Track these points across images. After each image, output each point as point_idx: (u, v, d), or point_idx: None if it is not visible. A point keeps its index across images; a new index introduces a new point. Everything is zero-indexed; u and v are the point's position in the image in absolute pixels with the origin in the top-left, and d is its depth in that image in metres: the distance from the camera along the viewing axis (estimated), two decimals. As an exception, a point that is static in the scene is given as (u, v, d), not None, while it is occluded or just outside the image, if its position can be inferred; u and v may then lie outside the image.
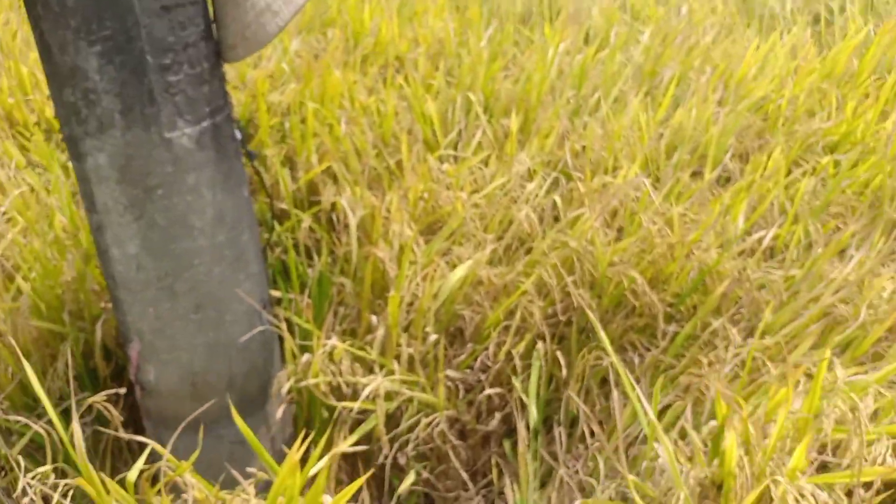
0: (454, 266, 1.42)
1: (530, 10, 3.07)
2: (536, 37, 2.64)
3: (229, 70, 2.48)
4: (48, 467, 0.83)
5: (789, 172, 1.56)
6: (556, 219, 1.57)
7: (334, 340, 1.18)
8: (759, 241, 1.25)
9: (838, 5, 2.92)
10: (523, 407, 1.27)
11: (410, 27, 2.79)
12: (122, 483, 0.82)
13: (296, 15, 1.02)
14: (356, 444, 1.08)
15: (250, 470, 1.01)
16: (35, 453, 1.26)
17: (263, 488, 1.01)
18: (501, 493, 1.27)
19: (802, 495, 0.78)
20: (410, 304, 1.36)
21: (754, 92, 1.79)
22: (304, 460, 0.87)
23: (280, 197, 1.70)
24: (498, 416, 1.31)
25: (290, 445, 1.32)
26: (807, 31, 2.55)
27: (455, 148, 1.87)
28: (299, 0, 1.02)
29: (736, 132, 1.70)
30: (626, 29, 2.76)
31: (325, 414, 1.31)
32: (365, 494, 1.18)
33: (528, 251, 1.50)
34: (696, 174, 1.62)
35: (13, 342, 1.23)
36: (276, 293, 1.46)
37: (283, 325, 1.23)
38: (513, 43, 2.59)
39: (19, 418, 1.04)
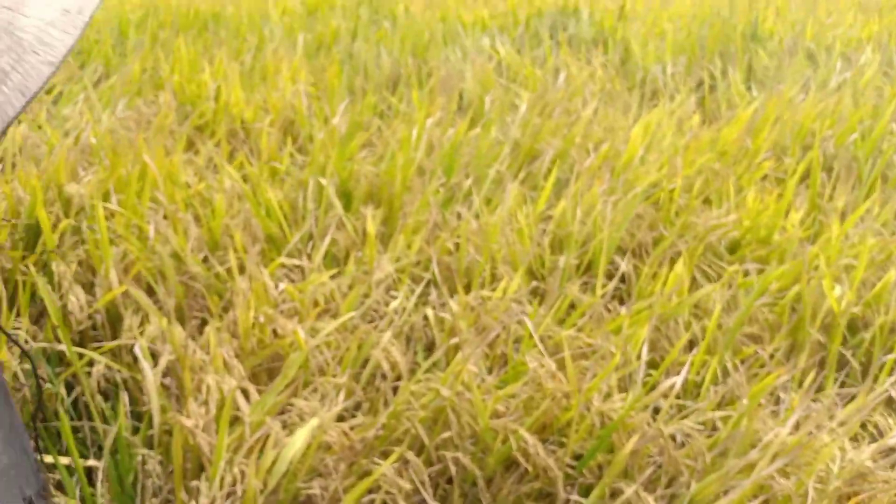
0: (295, 426, 1.11)
1: (398, 73, 2.87)
2: (404, 105, 2.43)
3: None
4: None
5: (693, 282, 1.40)
6: (429, 346, 1.31)
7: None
8: (671, 387, 1.05)
9: (720, 70, 2.94)
10: None
11: (259, 91, 2.49)
12: None
13: (6, 129, 0.71)
14: None
15: None
16: None
17: None
18: None
19: None
20: (234, 487, 1.04)
21: (644, 178, 1.65)
22: None
23: (73, 330, 1.33)
24: None
25: None
26: (691, 98, 2.50)
27: (304, 248, 1.58)
28: (10, 110, 0.71)
29: (627, 225, 1.53)
30: (501, 94, 2.61)
31: None
32: None
33: (395, 390, 1.23)
34: (588, 283, 1.42)
35: None
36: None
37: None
38: (376, 113, 2.36)
39: None
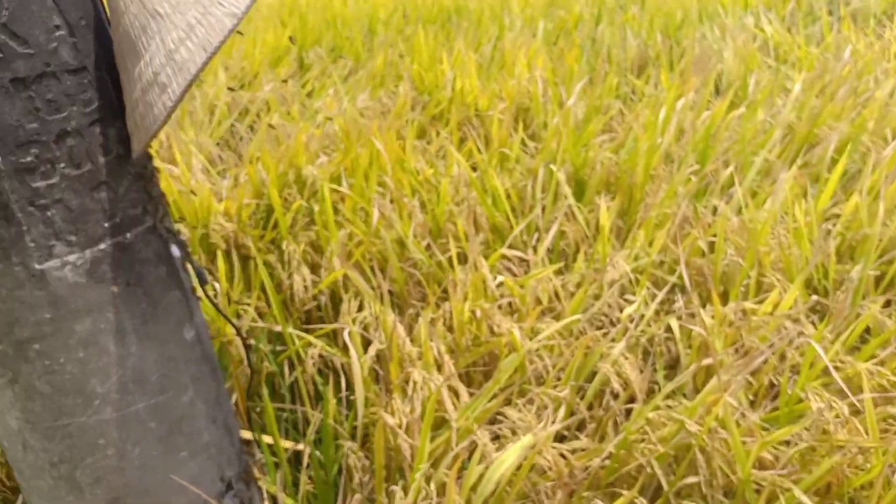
0: (505, 440, 0.98)
1: (645, 55, 2.62)
2: (650, 88, 2.19)
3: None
4: None
5: None
6: (671, 365, 1.10)
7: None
8: None
9: None
10: None
11: (495, 79, 2.41)
12: None
13: (189, 87, 0.65)
14: None
15: None
16: None
17: None
18: None
19: None
20: (433, 501, 0.93)
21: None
22: None
23: (299, 310, 1.34)
24: None
25: None
26: None
27: (529, 240, 1.44)
28: (192, 67, 0.65)
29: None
30: (769, 76, 2.25)
31: None
32: None
33: (627, 413, 1.04)
34: (891, 301, 1.09)
35: None
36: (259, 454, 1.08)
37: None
38: (618, 96, 2.15)
39: None
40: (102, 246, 0.75)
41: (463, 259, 1.43)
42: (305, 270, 1.34)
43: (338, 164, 1.53)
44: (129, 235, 0.77)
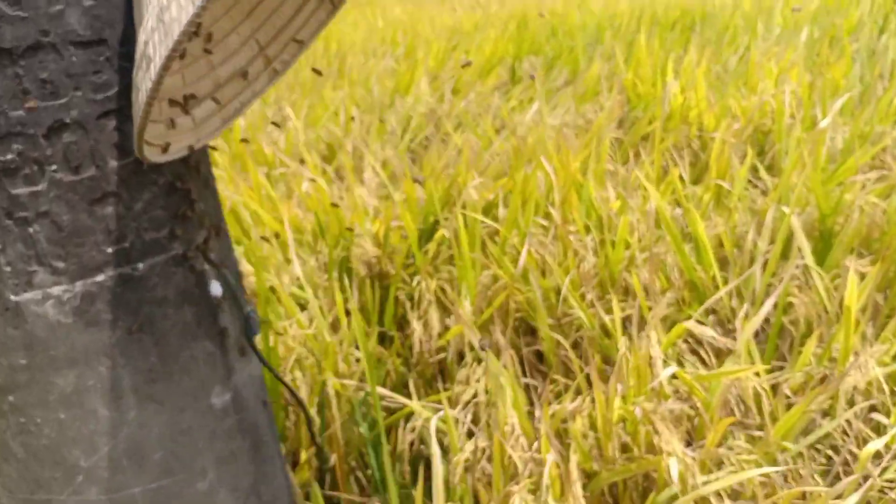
0: None
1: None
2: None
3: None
4: None
5: None
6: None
7: None
8: None
9: None
10: None
11: (734, 95, 2.01)
12: None
13: (170, 61, 0.46)
14: None
15: None
16: None
17: None
18: None
19: None
20: None
21: None
22: None
23: (422, 358, 1.13)
24: None
25: None
26: None
27: (735, 308, 1.08)
28: (176, 28, 0.46)
29: None
30: None
31: None
32: None
33: None
34: None
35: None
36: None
37: None
38: (893, 122, 1.65)
39: None
40: (99, 278, 0.59)
41: (640, 324, 1.11)
42: (435, 315, 1.12)
43: (496, 188, 1.30)
44: (140, 266, 0.61)
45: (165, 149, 0.60)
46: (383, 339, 1.28)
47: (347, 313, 1.36)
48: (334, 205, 1.34)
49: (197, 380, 0.67)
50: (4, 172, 0.55)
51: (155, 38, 0.49)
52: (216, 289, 0.68)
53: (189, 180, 0.64)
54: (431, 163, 1.63)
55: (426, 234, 1.41)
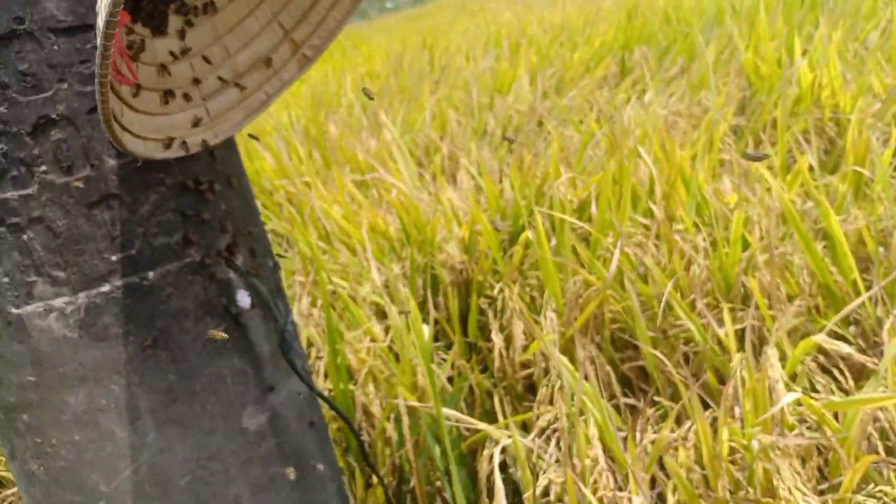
0: None
1: None
2: None
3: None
4: None
5: None
6: None
7: None
8: None
9: None
10: None
11: (875, 72, 1.77)
12: None
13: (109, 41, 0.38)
14: None
15: None
16: None
17: None
18: None
19: None
20: None
21: None
22: None
23: (505, 374, 1.03)
24: None
25: None
26: None
27: (881, 318, 0.90)
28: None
29: None
30: None
31: None
32: None
33: None
34: None
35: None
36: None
37: None
38: None
39: None
40: (104, 288, 0.53)
41: (760, 337, 0.96)
42: (518, 327, 1.01)
43: (590, 185, 1.17)
44: (150, 275, 0.55)
45: (168, 144, 0.53)
46: (474, 349, 1.19)
47: (436, 322, 1.27)
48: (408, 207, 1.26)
49: (225, 400, 0.60)
50: (-11, 174, 0.50)
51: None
52: (244, 299, 0.61)
53: (205, 179, 0.58)
54: (521, 160, 1.53)
55: (515, 237, 1.30)
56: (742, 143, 1.59)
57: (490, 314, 1.09)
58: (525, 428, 0.95)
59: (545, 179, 1.35)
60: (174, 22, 0.56)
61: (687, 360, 1.02)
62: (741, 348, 0.85)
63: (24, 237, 0.51)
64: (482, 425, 0.82)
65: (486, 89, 2.79)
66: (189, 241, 0.57)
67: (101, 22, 0.37)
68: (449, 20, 6.99)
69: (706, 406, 0.91)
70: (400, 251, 1.42)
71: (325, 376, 1.00)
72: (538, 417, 0.83)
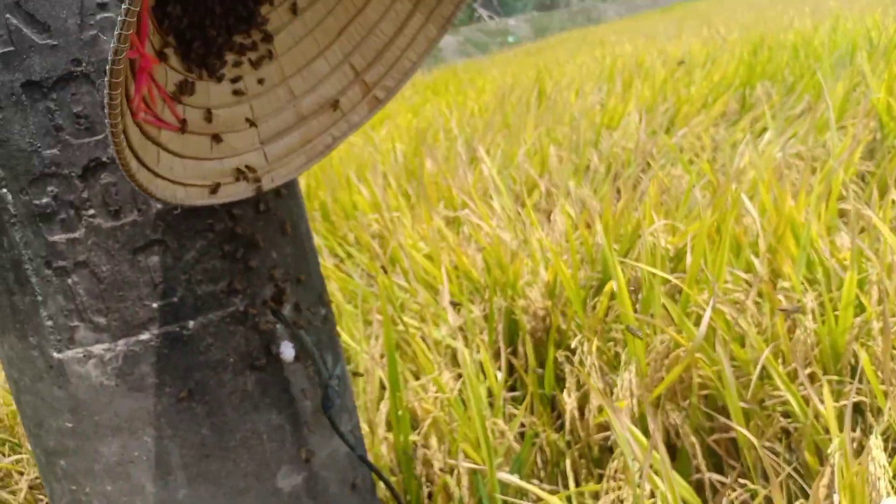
0: None
1: None
2: None
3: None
4: None
5: None
6: None
7: None
8: None
9: None
10: None
11: None
12: None
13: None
14: None
15: None
16: None
17: None
18: None
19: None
20: None
21: None
22: None
23: (581, 437, 0.96)
24: None
25: None
26: None
27: None
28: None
29: None
30: None
31: None
32: None
33: None
34: None
35: None
36: None
37: None
38: None
39: None
40: (143, 336, 0.53)
41: (874, 411, 0.85)
42: (599, 382, 0.95)
43: (686, 235, 1.09)
44: (191, 324, 0.54)
45: (214, 189, 0.52)
46: (552, 402, 1.13)
47: (513, 371, 1.23)
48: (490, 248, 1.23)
49: (260, 458, 0.58)
50: (41, 217, 0.51)
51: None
52: (288, 352, 0.59)
53: (254, 225, 0.57)
54: (616, 201, 1.46)
55: (603, 284, 1.24)
56: (868, 191, 1.45)
57: (567, 368, 1.03)
58: (597, 496, 0.89)
59: (639, 224, 1.28)
60: (231, 64, 0.56)
61: (787, 433, 0.92)
62: (842, 429, 0.75)
63: (69, 281, 0.52)
64: (543, 494, 0.77)
65: (593, 125, 2.72)
66: (234, 290, 0.56)
67: (107, 76, 0.36)
68: (568, 53, 6.94)
69: (803, 492, 0.82)
70: (483, 293, 1.39)
71: (389, 425, 0.97)
72: (607, 492, 0.76)
